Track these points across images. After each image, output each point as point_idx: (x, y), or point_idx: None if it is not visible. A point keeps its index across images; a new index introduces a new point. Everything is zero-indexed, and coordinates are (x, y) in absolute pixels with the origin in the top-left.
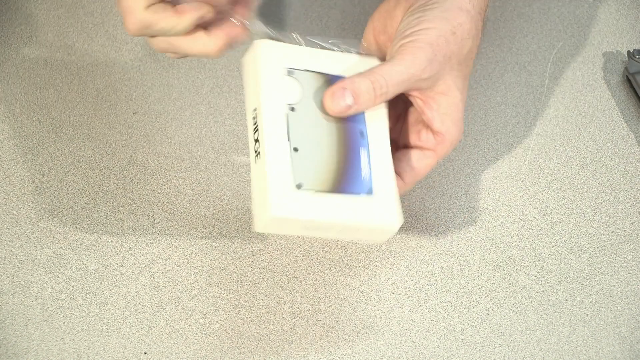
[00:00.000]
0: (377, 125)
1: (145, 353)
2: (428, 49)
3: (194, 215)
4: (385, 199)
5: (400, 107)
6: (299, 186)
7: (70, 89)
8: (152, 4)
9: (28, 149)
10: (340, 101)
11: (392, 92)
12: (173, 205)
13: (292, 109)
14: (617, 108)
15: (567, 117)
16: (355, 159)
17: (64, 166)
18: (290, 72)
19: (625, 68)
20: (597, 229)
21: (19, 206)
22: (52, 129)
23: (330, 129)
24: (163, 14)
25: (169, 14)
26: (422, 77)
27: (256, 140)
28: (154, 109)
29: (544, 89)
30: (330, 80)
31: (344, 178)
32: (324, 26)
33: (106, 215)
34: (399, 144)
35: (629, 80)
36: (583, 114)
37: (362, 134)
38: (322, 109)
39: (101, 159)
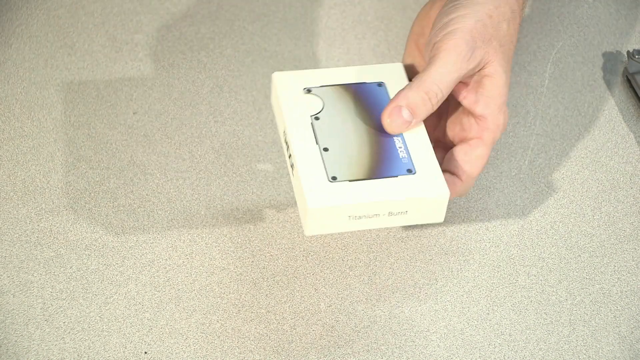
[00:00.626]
0: None
1: (145, 353)
2: (468, 36)
3: (194, 215)
4: (428, 173)
5: (441, 106)
6: (333, 179)
7: (70, 89)
8: None
9: (28, 149)
10: (398, 119)
11: (447, 93)
12: (173, 205)
13: (317, 118)
14: (616, 108)
15: (567, 117)
16: (390, 146)
17: (64, 166)
18: (308, 90)
19: (625, 68)
20: (597, 228)
21: (19, 206)
22: (53, 128)
23: (358, 127)
24: None
25: None
26: (469, 68)
27: (289, 155)
28: (154, 109)
29: (544, 89)
30: (350, 87)
31: (381, 164)
32: (324, 26)
33: (106, 215)
34: (446, 143)
35: (628, 80)
36: (583, 114)
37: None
38: (347, 111)
39: (101, 159)
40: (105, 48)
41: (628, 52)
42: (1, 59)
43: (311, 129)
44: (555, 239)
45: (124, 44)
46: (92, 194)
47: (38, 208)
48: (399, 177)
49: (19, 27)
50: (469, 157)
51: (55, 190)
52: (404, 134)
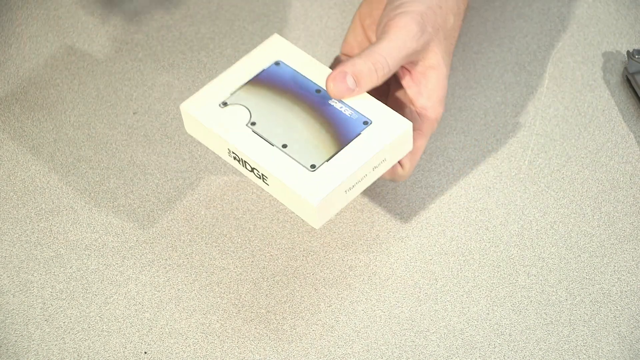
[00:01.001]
0: (325, 74)
1: (145, 352)
2: (419, 18)
3: (194, 215)
4: (383, 116)
5: (382, 90)
6: (312, 167)
7: (70, 89)
8: None
9: (28, 149)
10: (341, 84)
11: (393, 69)
12: (173, 205)
13: (253, 124)
14: (616, 108)
15: (567, 117)
16: (334, 113)
17: (64, 166)
18: (224, 104)
19: (625, 68)
20: (597, 228)
21: (19, 206)
22: (52, 129)
23: (295, 111)
24: None
25: None
26: (417, 49)
27: (252, 169)
28: (154, 109)
29: (544, 89)
30: (256, 80)
31: (340, 132)
32: (324, 26)
33: (106, 215)
34: None
35: (628, 80)
36: (583, 114)
37: (319, 91)
38: (273, 102)
39: (101, 159)
40: (105, 48)
41: (628, 52)
42: (1, 59)
43: (256, 135)
44: (555, 239)
45: (124, 44)
46: (92, 194)
47: (38, 208)
48: (362, 133)
49: (19, 27)
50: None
51: (55, 190)
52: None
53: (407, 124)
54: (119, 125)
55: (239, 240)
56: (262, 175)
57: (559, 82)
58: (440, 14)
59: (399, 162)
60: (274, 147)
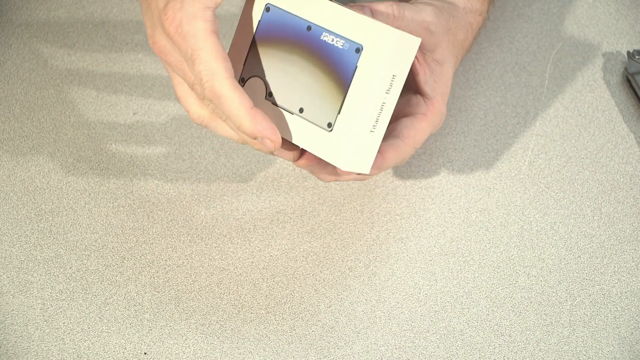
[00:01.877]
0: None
1: (145, 353)
2: (435, 7)
3: (194, 215)
4: (373, 34)
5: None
6: (329, 126)
7: (70, 89)
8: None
9: (28, 149)
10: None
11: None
12: (173, 205)
13: (270, 94)
14: (616, 108)
15: (567, 118)
16: (327, 50)
17: (64, 166)
18: (242, 80)
19: (625, 68)
20: (597, 229)
21: (19, 206)
22: (52, 129)
23: (300, 64)
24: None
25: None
26: (430, 28)
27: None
28: (154, 109)
29: (543, 89)
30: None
31: (338, 73)
32: None
33: (106, 215)
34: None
35: (628, 81)
36: (583, 114)
37: (310, 28)
38: (281, 60)
39: (101, 159)
40: (105, 48)
41: (628, 52)
42: (1, 59)
43: (276, 107)
44: (555, 239)
45: (124, 44)
46: (92, 194)
47: (38, 208)
48: (358, 65)
49: (19, 27)
50: (415, 125)
51: (55, 190)
52: (327, 24)
53: (395, 33)
54: (119, 125)
55: (239, 240)
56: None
57: (559, 82)
58: (453, 21)
59: (392, 145)
60: (294, 115)
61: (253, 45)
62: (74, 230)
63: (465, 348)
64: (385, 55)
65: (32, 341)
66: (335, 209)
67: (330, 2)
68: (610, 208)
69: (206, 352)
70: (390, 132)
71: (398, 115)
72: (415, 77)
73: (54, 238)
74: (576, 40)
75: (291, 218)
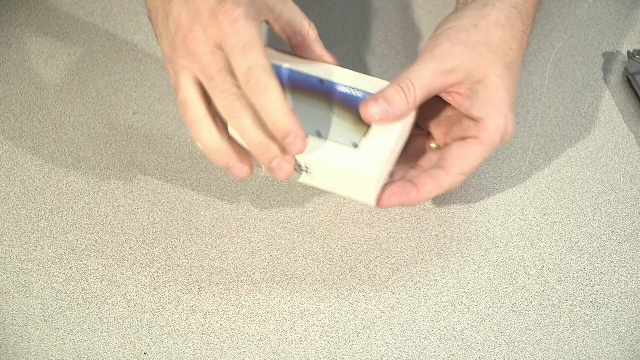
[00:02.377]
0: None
1: (145, 353)
2: (446, 42)
3: (194, 215)
4: (378, 83)
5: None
6: (354, 145)
7: (70, 89)
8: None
9: (28, 149)
10: (374, 107)
11: (421, 89)
12: (173, 205)
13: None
14: (617, 108)
15: (567, 117)
16: (345, 96)
17: (64, 166)
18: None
19: (625, 68)
20: (597, 229)
21: (19, 206)
22: (52, 129)
23: (313, 102)
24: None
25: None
26: (446, 69)
27: (297, 165)
28: (154, 109)
29: (544, 89)
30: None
31: (354, 107)
32: (324, 26)
33: (106, 216)
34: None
35: (628, 80)
36: (583, 114)
37: (322, 81)
38: (290, 98)
39: (101, 159)
40: (105, 48)
41: (628, 52)
42: (1, 59)
43: None
44: (555, 239)
45: (124, 44)
46: (92, 194)
47: (37, 208)
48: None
49: (19, 27)
50: (462, 153)
51: (55, 190)
52: (337, 80)
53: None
54: (118, 125)
55: (239, 240)
56: (307, 167)
57: (559, 82)
58: (476, 32)
59: (442, 167)
60: (311, 135)
61: None
62: (73, 230)
63: (465, 348)
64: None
65: (32, 341)
66: (335, 209)
67: (332, 65)
68: (610, 208)
69: (206, 352)
70: (440, 159)
71: (454, 139)
72: (460, 109)
73: (53, 238)
74: (576, 40)
75: (291, 218)
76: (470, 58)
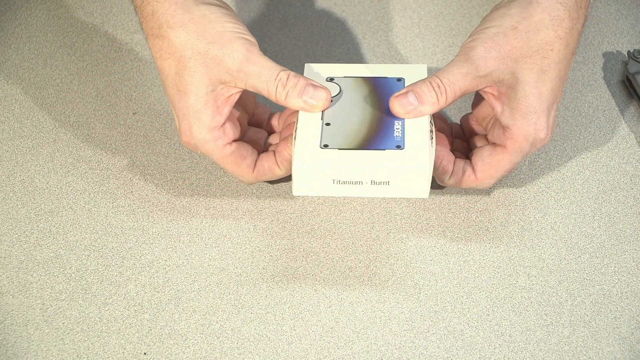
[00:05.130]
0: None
1: (145, 354)
2: (481, 47)
3: (194, 215)
4: (415, 150)
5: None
6: (325, 146)
7: (70, 89)
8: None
9: (28, 149)
10: (404, 101)
11: (452, 91)
12: (173, 206)
13: (330, 100)
14: (617, 108)
15: (567, 117)
16: (388, 125)
17: (64, 166)
18: (331, 79)
19: (626, 68)
20: (597, 229)
21: (19, 206)
22: (52, 129)
23: (366, 110)
24: (266, 174)
25: (269, 172)
26: (479, 74)
27: (295, 129)
28: (154, 109)
29: None
30: (369, 79)
31: (373, 139)
32: (324, 26)
33: (105, 216)
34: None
35: (629, 80)
36: (583, 114)
37: (400, 80)
38: (360, 97)
39: (101, 159)
40: (105, 48)
41: (628, 52)
42: (1, 59)
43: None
44: (555, 239)
45: (124, 44)
46: (92, 195)
47: (37, 208)
48: (386, 150)
49: (19, 27)
50: (491, 160)
51: (55, 190)
52: (406, 120)
53: (425, 165)
54: (118, 125)
55: (239, 240)
56: (294, 135)
57: None
58: (515, 35)
59: (474, 170)
60: (321, 120)
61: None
62: (73, 231)
63: (465, 348)
64: (401, 168)
65: (32, 341)
66: (335, 209)
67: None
68: (610, 208)
69: (206, 353)
70: (474, 156)
71: (491, 140)
72: (493, 110)
73: (53, 238)
74: None
75: (291, 218)
76: (505, 64)
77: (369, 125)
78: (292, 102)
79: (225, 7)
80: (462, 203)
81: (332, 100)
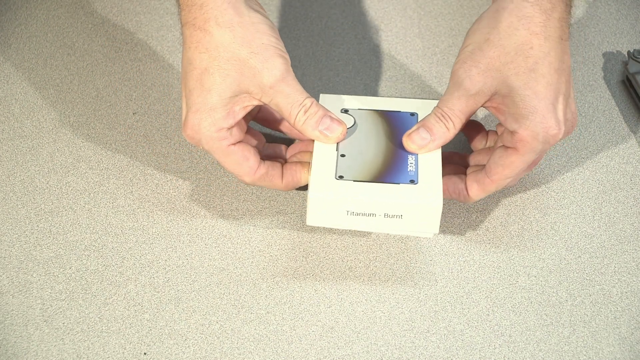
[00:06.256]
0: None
1: (145, 354)
2: (461, 68)
3: (194, 215)
4: (429, 186)
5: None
6: (340, 177)
7: (70, 89)
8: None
9: (28, 149)
10: (417, 137)
11: (455, 116)
12: (173, 206)
13: (345, 134)
14: (617, 108)
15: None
16: (402, 159)
17: (64, 166)
18: (345, 110)
19: (626, 68)
20: (597, 229)
21: (19, 206)
22: (52, 129)
23: (380, 142)
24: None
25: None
26: (471, 94)
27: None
28: (154, 109)
29: None
30: (384, 112)
31: (387, 172)
32: (324, 26)
33: (105, 216)
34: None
35: (629, 80)
36: (583, 114)
37: (413, 114)
38: (375, 130)
39: (101, 159)
40: (105, 48)
41: (628, 52)
42: (1, 59)
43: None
44: (555, 239)
45: (124, 44)
46: (92, 195)
47: (37, 208)
48: (400, 184)
49: (19, 27)
50: (503, 162)
51: (55, 190)
52: (419, 155)
53: (437, 202)
54: (118, 125)
55: (239, 240)
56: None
57: None
58: (489, 47)
59: (486, 171)
60: (336, 152)
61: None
62: (73, 231)
63: (465, 348)
64: (414, 204)
65: (32, 341)
66: None
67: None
68: (610, 208)
69: (206, 353)
70: (489, 160)
71: (504, 144)
72: (500, 120)
73: (53, 238)
74: (576, 40)
75: (291, 218)
76: (490, 76)
77: (383, 158)
78: (309, 131)
79: (268, 18)
80: (462, 203)
81: (346, 132)
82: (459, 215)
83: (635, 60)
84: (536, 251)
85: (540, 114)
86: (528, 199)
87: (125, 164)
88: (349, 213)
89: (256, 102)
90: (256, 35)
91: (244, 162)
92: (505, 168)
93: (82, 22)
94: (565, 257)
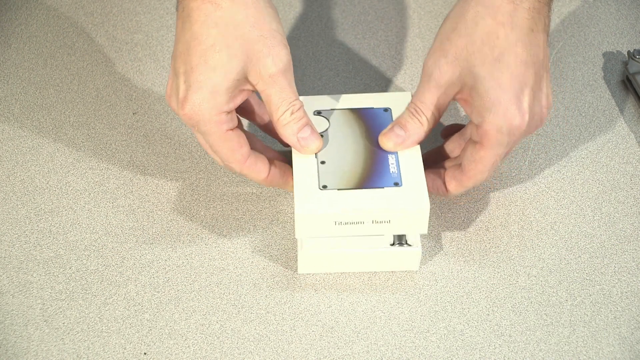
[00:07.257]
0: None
1: (145, 354)
2: (431, 59)
3: (194, 215)
4: (413, 187)
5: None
6: (324, 187)
7: (70, 89)
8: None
9: (28, 149)
10: (392, 135)
11: (431, 110)
12: (173, 206)
13: (320, 136)
14: (617, 108)
15: (567, 117)
16: (382, 160)
17: (64, 166)
18: (318, 112)
19: (626, 68)
20: (597, 229)
21: (19, 206)
22: (52, 129)
23: (358, 144)
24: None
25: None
26: (441, 84)
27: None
28: (154, 109)
29: None
30: (357, 110)
31: (370, 176)
32: (324, 26)
33: (106, 216)
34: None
35: (629, 80)
36: (583, 114)
37: (387, 110)
38: (350, 130)
39: (101, 159)
40: (105, 48)
41: (628, 52)
42: (1, 59)
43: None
44: (555, 239)
45: (124, 44)
46: (92, 194)
47: (37, 208)
48: (385, 188)
49: (19, 27)
50: (474, 157)
51: (55, 190)
52: (399, 153)
53: (424, 206)
54: (118, 125)
55: (239, 240)
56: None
57: (559, 82)
58: (456, 36)
59: (462, 168)
60: (316, 159)
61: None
62: (73, 230)
63: (466, 348)
64: (402, 209)
65: (32, 341)
66: None
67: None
68: (611, 208)
69: (206, 352)
70: (463, 157)
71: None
72: (469, 115)
73: (53, 238)
74: (576, 40)
75: (291, 218)
76: (458, 66)
77: (364, 162)
78: (288, 133)
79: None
80: (462, 203)
81: (322, 136)
82: (459, 215)
83: (635, 60)
84: (536, 251)
85: (503, 107)
86: (528, 199)
87: (125, 164)
88: (337, 223)
89: (251, 88)
90: (267, 18)
91: (238, 149)
92: (477, 163)
93: (82, 22)
94: (565, 257)
